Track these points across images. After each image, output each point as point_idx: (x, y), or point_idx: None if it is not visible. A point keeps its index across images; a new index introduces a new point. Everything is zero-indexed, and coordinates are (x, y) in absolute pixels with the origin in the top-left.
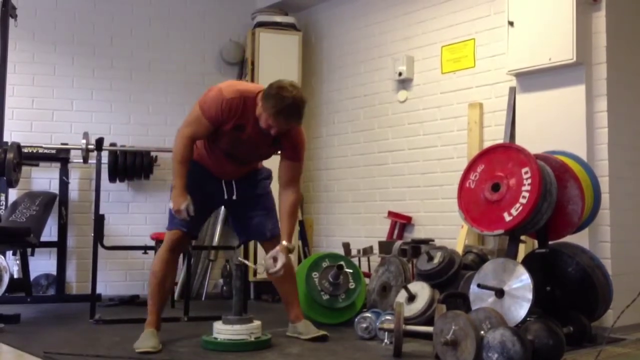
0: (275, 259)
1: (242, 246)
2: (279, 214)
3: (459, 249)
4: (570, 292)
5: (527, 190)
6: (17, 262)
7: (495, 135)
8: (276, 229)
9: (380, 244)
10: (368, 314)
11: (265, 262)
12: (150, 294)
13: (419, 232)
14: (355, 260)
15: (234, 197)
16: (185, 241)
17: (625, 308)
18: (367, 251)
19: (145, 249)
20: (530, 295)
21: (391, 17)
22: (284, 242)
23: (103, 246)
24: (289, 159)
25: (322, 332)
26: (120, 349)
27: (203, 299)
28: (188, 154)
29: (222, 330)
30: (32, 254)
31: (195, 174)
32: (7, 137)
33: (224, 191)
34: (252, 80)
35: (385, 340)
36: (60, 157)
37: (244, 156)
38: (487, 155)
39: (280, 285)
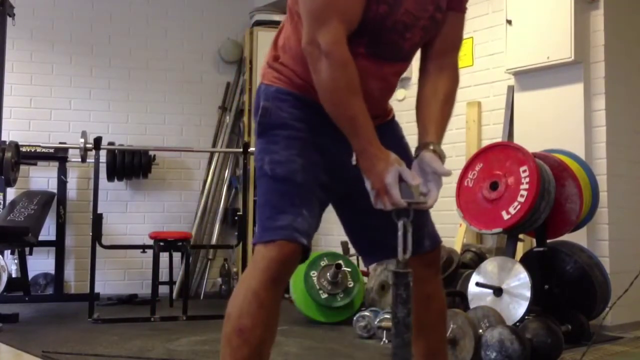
0: (428, 172)
1: (240, 245)
2: (423, 99)
3: (458, 248)
4: (569, 291)
5: (525, 189)
6: (16, 261)
7: (493, 134)
8: (436, 232)
9: None
10: (367, 313)
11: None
12: None
13: None
14: (353, 259)
15: None
16: (298, 261)
17: (616, 300)
18: None
19: (143, 248)
20: (528, 294)
21: None
22: (432, 143)
23: (101, 245)
24: (454, 7)
25: None
26: (119, 348)
27: (201, 298)
28: (355, 74)
29: None
30: (31, 253)
31: (300, 123)
32: (5, 136)
33: (350, 150)
34: (251, 81)
35: (384, 339)
36: (59, 156)
37: (401, 39)
38: (485, 154)
39: (428, 332)
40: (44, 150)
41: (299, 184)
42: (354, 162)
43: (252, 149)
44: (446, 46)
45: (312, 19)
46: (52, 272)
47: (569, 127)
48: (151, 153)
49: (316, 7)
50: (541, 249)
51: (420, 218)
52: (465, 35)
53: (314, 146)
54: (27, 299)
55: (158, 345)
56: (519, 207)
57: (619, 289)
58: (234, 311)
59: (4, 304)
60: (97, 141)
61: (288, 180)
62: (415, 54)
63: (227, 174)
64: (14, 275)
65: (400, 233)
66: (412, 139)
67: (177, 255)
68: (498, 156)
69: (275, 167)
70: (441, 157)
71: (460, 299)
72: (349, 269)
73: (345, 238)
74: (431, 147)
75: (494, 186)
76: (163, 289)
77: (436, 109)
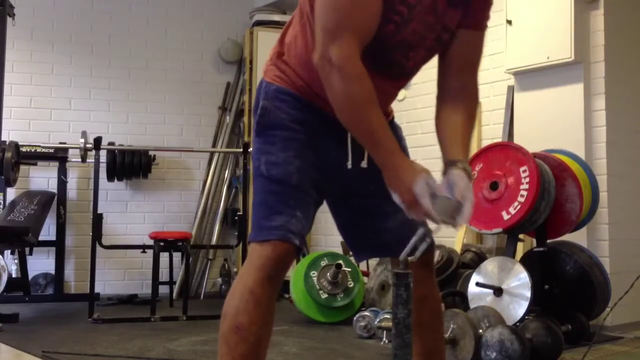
0: (456, 192)
1: (240, 245)
2: (444, 118)
3: (458, 248)
4: (569, 291)
5: (525, 189)
6: (16, 261)
7: (493, 134)
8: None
9: None
10: (367, 313)
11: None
12: None
13: None
14: (353, 259)
15: (364, 165)
16: (291, 261)
17: (616, 303)
18: None
19: (143, 248)
20: (528, 294)
21: None
22: (460, 161)
23: (101, 245)
24: (470, 26)
25: None
26: (119, 348)
27: (202, 298)
28: (370, 86)
29: None
30: (31, 253)
31: (298, 125)
32: (5, 136)
33: (347, 153)
34: (251, 81)
35: (384, 339)
36: (59, 156)
37: (404, 59)
38: (485, 154)
39: (425, 331)
40: (44, 150)
41: (294, 186)
42: (349, 166)
43: (252, 149)
44: (465, 64)
45: (326, 33)
46: (52, 272)
47: (569, 127)
48: (151, 153)
49: (330, 22)
50: (541, 249)
51: (408, 219)
52: None
53: (312, 147)
54: (27, 299)
55: (158, 345)
56: (519, 207)
57: (619, 289)
58: (230, 309)
59: (4, 304)
60: (97, 141)
61: (283, 182)
62: (418, 71)
63: (227, 174)
64: (14, 275)
65: (414, 239)
66: (412, 139)
67: (177, 255)
68: (498, 156)
69: (271, 168)
70: (469, 175)
71: (461, 299)
72: (349, 269)
73: None
74: (460, 165)
75: (494, 186)
76: (163, 289)
77: (459, 126)
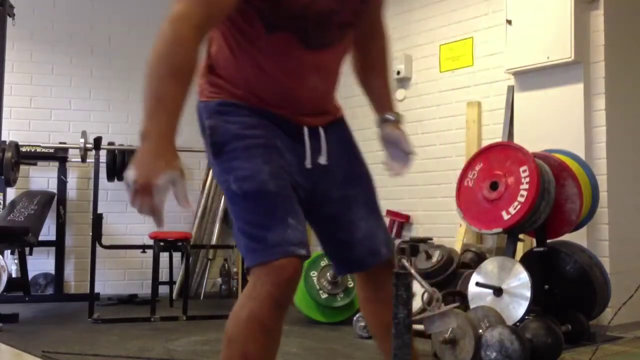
0: (395, 144)
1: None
2: (363, 71)
3: (458, 248)
4: (569, 291)
5: (525, 189)
6: (16, 261)
7: (493, 134)
8: (391, 241)
9: None
10: None
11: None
12: None
13: (417, 231)
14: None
15: (324, 162)
16: (300, 276)
17: (622, 306)
18: None
19: (143, 248)
20: (528, 294)
21: (389, 16)
22: (389, 114)
23: (101, 245)
24: None
25: None
26: (119, 348)
27: (201, 298)
28: (188, 58)
29: None
30: (31, 253)
31: (253, 130)
32: (5, 136)
33: (304, 151)
34: None
35: None
36: (59, 156)
37: (327, 29)
38: (485, 154)
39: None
40: (44, 150)
41: (274, 194)
42: (308, 166)
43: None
44: (373, 19)
45: None
46: (52, 272)
47: (569, 127)
48: None
49: None
50: (541, 249)
51: (373, 226)
52: (465, 35)
53: (274, 150)
54: (27, 299)
55: (158, 345)
56: (519, 207)
57: (619, 289)
58: (237, 337)
59: (4, 304)
60: (97, 141)
61: (260, 193)
62: (350, 34)
63: None
64: (14, 275)
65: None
66: (412, 139)
67: (177, 255)
68: (498, 156)
69: (243, 184)
70: (400, 121)
71: (461, 299)
72: None
73: None
74: (391, 119)
75: (494, 186)
76: (163, 289)
77: (379, 72)
